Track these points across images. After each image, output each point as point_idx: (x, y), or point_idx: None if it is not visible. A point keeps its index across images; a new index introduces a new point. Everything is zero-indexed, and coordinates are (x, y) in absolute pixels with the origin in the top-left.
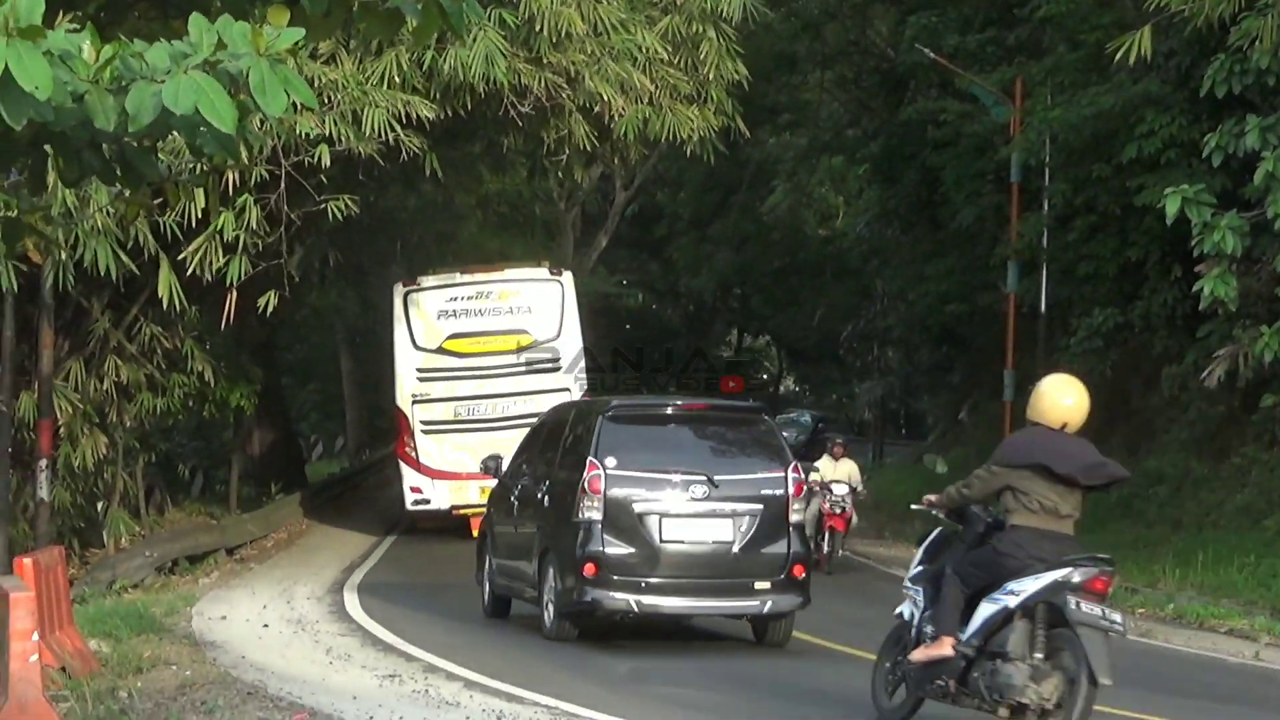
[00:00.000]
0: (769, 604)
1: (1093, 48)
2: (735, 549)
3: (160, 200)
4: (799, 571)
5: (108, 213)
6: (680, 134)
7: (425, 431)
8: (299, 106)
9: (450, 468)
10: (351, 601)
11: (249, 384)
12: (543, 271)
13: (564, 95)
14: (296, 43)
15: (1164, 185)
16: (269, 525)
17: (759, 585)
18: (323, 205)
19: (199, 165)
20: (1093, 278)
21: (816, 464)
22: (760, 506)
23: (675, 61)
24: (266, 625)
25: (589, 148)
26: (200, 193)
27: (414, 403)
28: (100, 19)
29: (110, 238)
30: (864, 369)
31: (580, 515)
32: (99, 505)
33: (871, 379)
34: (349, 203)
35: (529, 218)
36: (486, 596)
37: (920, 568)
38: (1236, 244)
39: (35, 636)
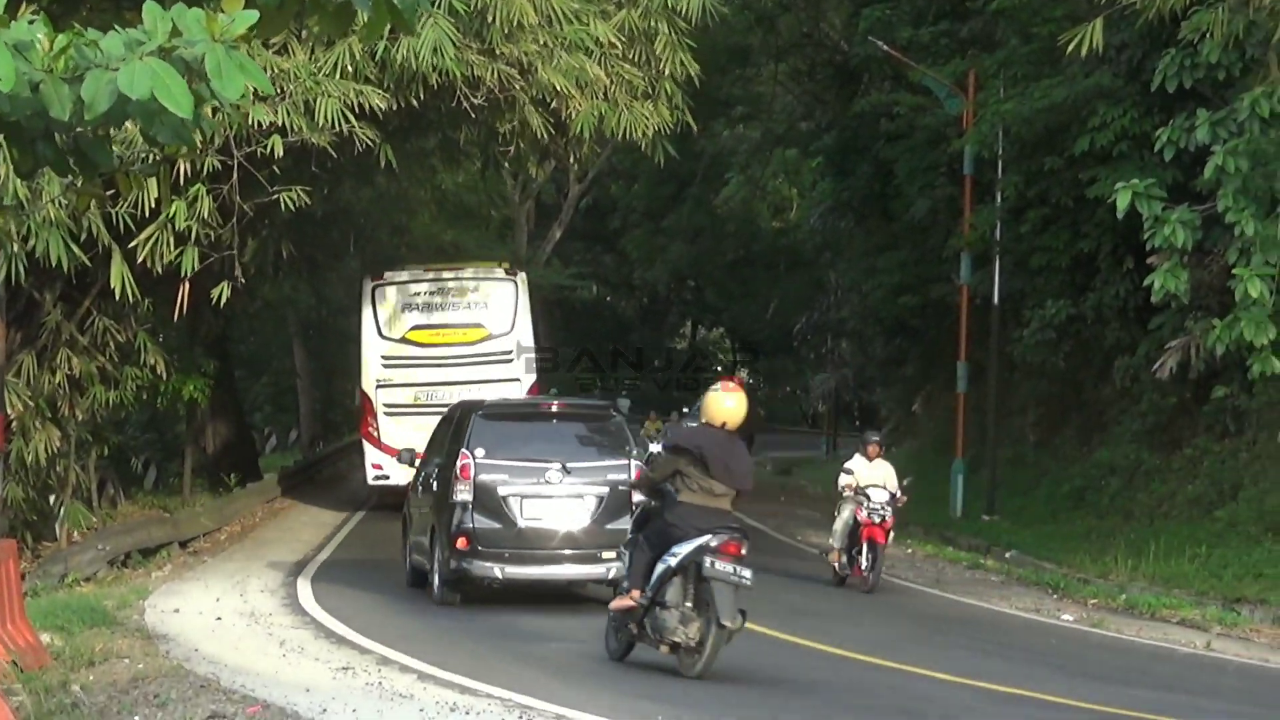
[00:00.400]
0: (612, 570)
1: (1045, 40)
2: (585, 525)
3: (112, 191)
4: None
5: (60, 204)
6: (635, 132)
7: (387, 414)
8: (254, 95)
9: (409, 447)
10: (305, 593)
11: (202, 376)
12: (499, 271)
13: (517, 87)
14: (251, 28)
15: (1116, 178)
16: (223, 518)
17: (605, 555)
18: (275, 196)
19: (151, 155)
20: (1045, 270)
21: (849, 464)
22: (606, 489)
23: (629, 56)
24: (219, 618)
25: (543, 139)
26: (152, 183)
27: (378, 387)
28: (53, 10)
29: (62, 229)
30: (818, 361)
31: (454, 497)
32: (51, 499)
33: (825, 371)
34: (302, 194)
35: (483, 211)
36: (407, 569)
37: (630, 535)
38: (1187, 238)
39: None
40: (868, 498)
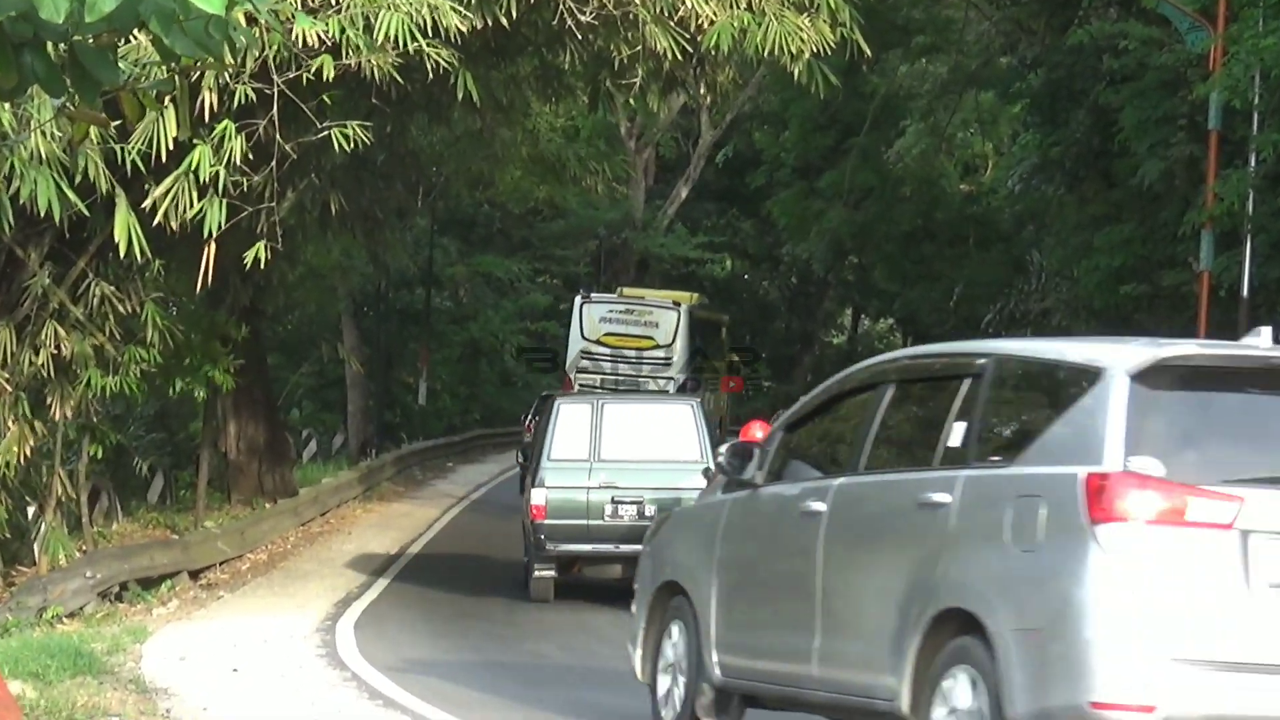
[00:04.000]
0: None
1: None
2: None
3: (119, 122)
4: None
5: (51, 136)
6: (787, 49)
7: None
8: (301, 1)
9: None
10: (346, 640)
11: (228, 354)
12: (669, 301)
13: (637, 0)
14: None
15: None
16: (245, 543)
17: None
18: (325, 135)
19: (169, 73)
20: None
21: None
22: None
23: None
24: (236, 670)
25: (669, 67)
26: (170, 114)
27: (576, 372)
28: None
29: (54, 168)
30: None
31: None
32: (30, 512)
33: None
34: (359, 132)
35: (589, 160)
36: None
37: None
38: None
39: None
40: None
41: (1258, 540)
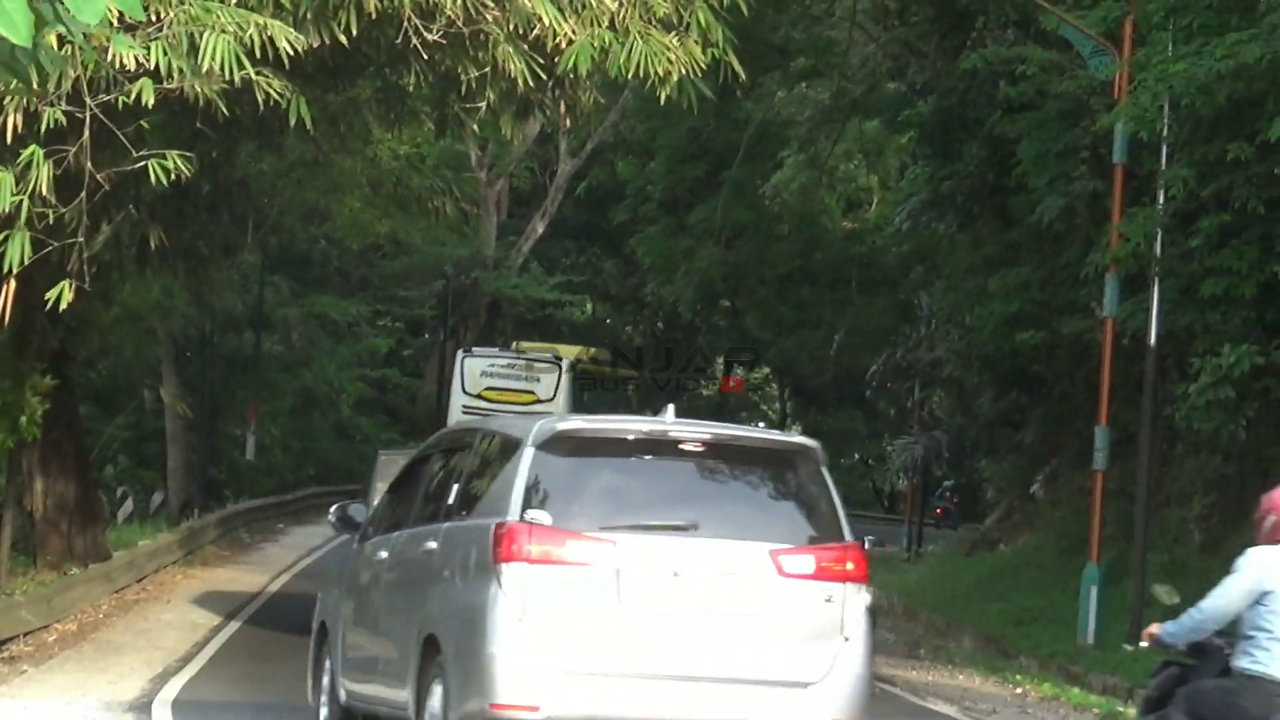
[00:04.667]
0: None
1: None
2: None
3: None
4: None
5: None
6: (654, 71)
7: None
8: (118, 19)
9: None
10: None
11: (35, 396)
12: (550, 357)
13: (489, 17)
14: None
15: None
16: (53, 612)
17: None
18: (143, 164)
19: None
20: (1223, 300)
21: None
22: None
23: None
24: None
25: (523, 90)
26: None
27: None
28: None
29: None
30: (899, 419)
31: None
32: None
33: (909, 434)
34: (180, 162)
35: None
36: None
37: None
38: None
39: None
40: None
41: (627, 574)
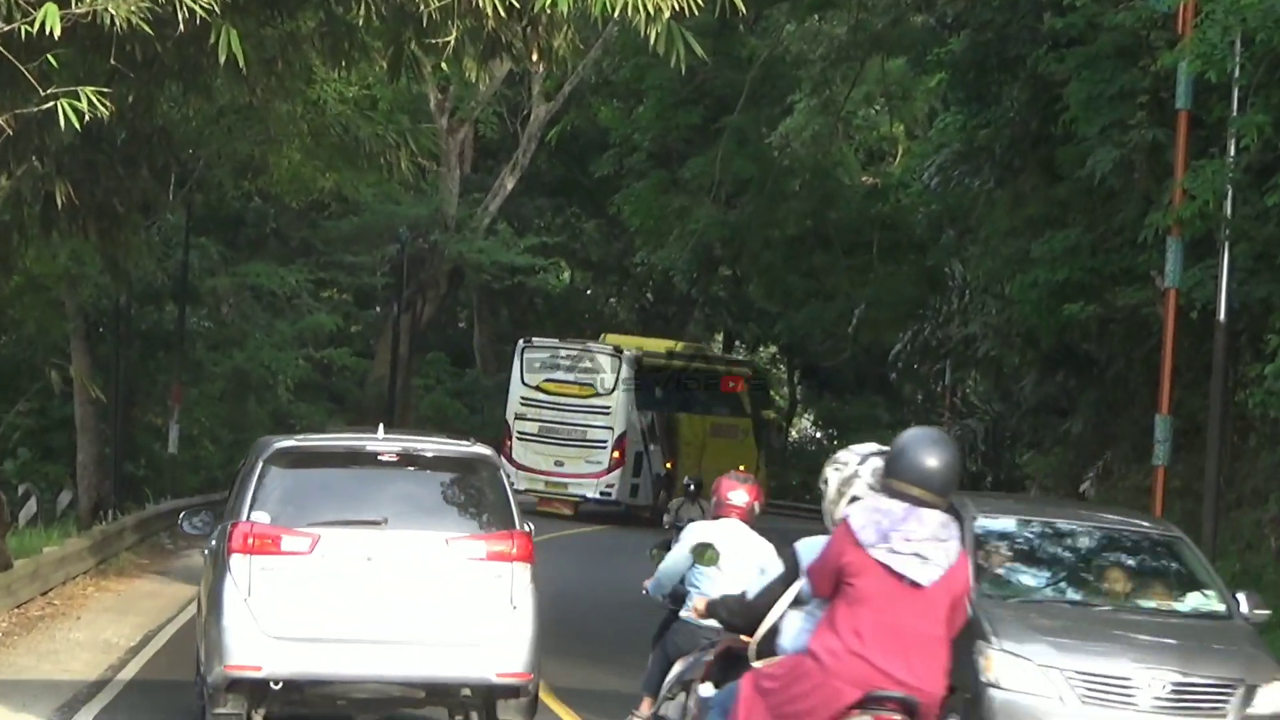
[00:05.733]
0: None
1: None
2: None
3: None
4: None
5: None
6: (643, 8)
7: (519, 439)
8: None
9: (530, 465)
10: None
11: None
12: (610, 350)
13: None
14: None
15: None
16: None
17: None
18: (50, 105)
19: None
20: None
21: None
22: None
23: None
24: None
25: (491, 26)
26: None
27: (515, 419)
28: None
29: None
30: (928, 404)
31: None
32: None
33: (939, 423)
34: (97, 100)
35: (386, 146)
36: None
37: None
38: None
39: None
40: None
41: (330, 560)
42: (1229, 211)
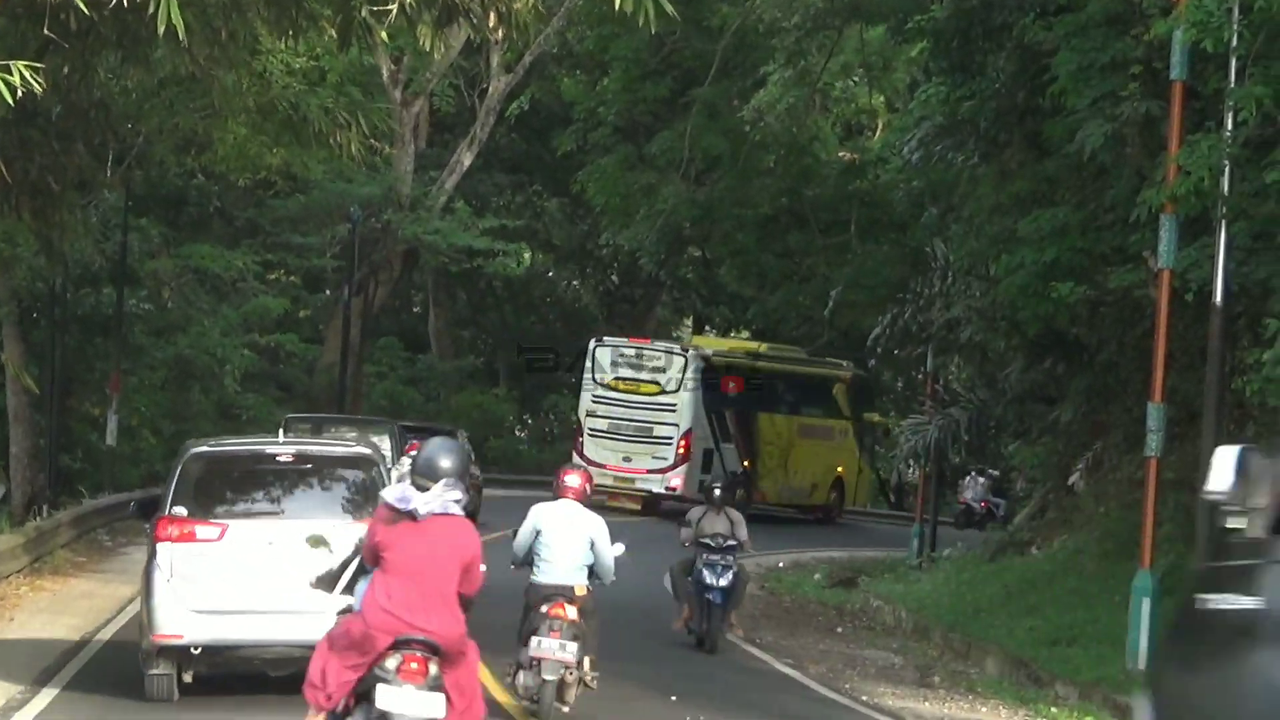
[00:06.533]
0: None
1: None
2: None
3: None
4: None
5: None
6: None
7: (590, 435)
8: None
9: (600, 460)
10: None
11: None
12: (677, 348)
13: None
14: None
15: None
16: None
17: None
18: None
19: None
20: None
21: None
22: None
23: None
24: None
25: None
26: None
27: (586, 415)
28: None
29: None
30: (908, 392)
31: None
32: None
33: (920, 412)
34: (28, 74)
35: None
36: None
37: None
38: None
39: None
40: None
41: (237, 545)
42: (1226, 188)
